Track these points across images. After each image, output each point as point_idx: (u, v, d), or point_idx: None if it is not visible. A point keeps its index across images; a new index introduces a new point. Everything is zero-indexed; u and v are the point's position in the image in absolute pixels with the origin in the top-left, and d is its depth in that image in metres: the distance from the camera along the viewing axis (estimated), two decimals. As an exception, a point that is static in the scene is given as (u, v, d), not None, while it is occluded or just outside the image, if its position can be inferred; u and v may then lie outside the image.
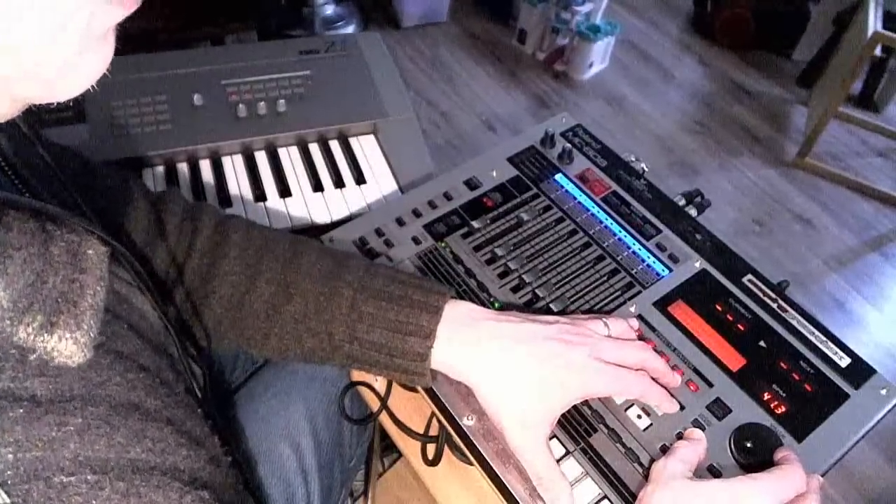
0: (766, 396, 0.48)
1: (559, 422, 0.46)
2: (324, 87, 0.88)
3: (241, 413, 0.60)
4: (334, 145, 0.86)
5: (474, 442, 0.46)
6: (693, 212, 0.64)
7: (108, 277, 0.32)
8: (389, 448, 0.90)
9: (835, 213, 1.90)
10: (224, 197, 0.78)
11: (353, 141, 0.87)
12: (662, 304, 0.54)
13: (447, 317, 0.46)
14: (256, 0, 1.60)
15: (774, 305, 0.54)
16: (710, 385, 0.49)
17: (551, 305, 0.54)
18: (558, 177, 0.64)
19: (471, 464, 0.48)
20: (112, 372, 0.32)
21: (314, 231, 0.76)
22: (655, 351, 0.50)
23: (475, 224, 0.59)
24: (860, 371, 0.50)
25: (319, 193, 0.81)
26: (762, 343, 0.51)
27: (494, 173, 0.64)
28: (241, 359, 0.69)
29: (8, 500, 0.25)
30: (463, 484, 0.54)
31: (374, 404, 0.57)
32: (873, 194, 1.95)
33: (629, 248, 0.58)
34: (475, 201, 0.61)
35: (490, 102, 2.11)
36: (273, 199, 0.79)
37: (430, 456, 0.54)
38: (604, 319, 0.49)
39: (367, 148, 0.86)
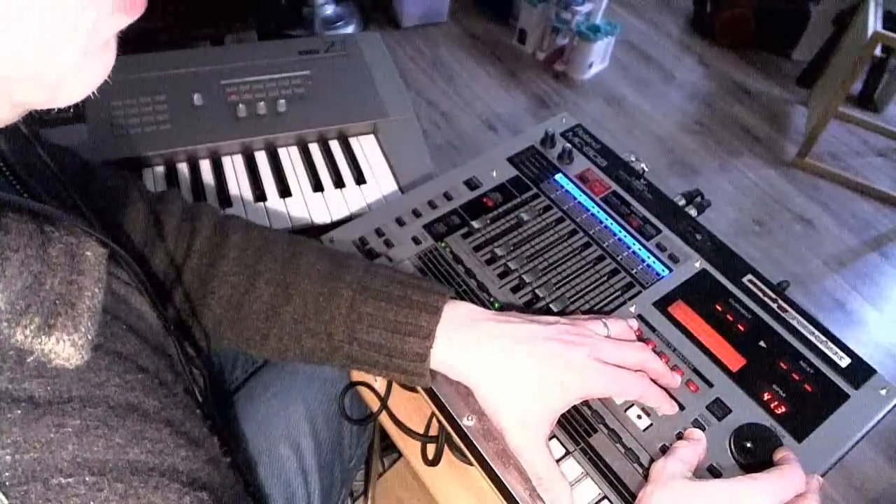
0: (766, 396, 0.48)
1: (559, 422, 0.46)
2: (324, 87, 0.88)
3: (240, 413, 0.60)
4: (334, 145, 0.86)
5: (474, 442, 0.46)
6: (693, 212, 0.64)
7: (106, 279, 0.32)
8: (389, 448, 0.90)
9: (835, 213, 1.90)
10: (224, 197, 0.78)
11: (353, 141, 0.87)
12: (662, 305, 0.54)
13: (447, 317, 0.46)
14: (256, 0, 1.60)
15: (774, 305, 0.54)
16: (710, 385, 0.49)
17: (551, 306, 0.54)
18: (558, 177, 0.64)
19: (471, 464, 0.48)
20: (111, 373, 0.32)
21: (314, 231, 0.76)
22: (655, 351, 0.50)
23: (475, 224, 0.59)
24: (860, 371, 0.50)
25: (319, 193, 0.81)
26: (762, 343, 0.51)
27: (494, 173, 0.64)
28: (241, 359, 0.69)
29: (6, 502, 0.25)
30: (463, 484, 0.54)
31: (374, 404, 0.57)
32: (873, 194, 1.95)
33: (629, 248, 0.58)
34: (475, 201, 0.61)
35: (490, 102, 2.11)
36: (273, 199, 0.79)
37: (430, 456, 0.54)
38: (603, 320, 0.49)
39: (367, 148, 0.86)
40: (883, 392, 0.49)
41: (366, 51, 0.94)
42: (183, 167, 0.80)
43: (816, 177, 1.99)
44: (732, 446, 0.45)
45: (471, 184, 0.63)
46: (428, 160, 0.85)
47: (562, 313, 0.53)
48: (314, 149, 0.85)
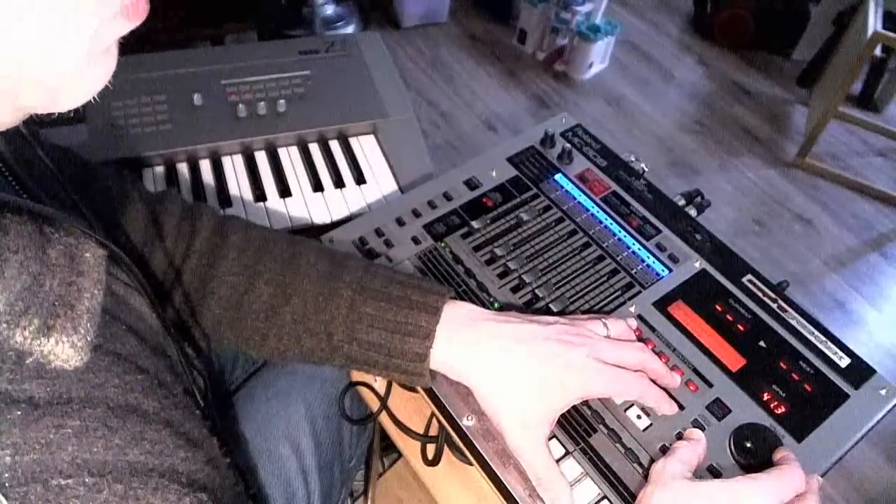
0: (766, 396, 0.48)
1: (559, 422, 0.46)
2: (324, 87, 0.88)
3: (240, 414, 0.60)
4: (334, 145, 0.86)
5: (474, 442, 0.46)
6: (693, 212, 0.64)
7: (105, 280, 0.32)
8: (389, 448, 0.90)
9: (835, 213, 1.90)
10: (224, 197, 0.78)
11: (353, 141, 0.87)
12: (662, 305, 0.54)
13: (446, 317, 0.46)
14: (256, 0, 1.61)
15: (774, 305, 0.54)
16: (710, 385, 0.49)
17: (551, 306, 0.54)
18: (558, 177, 0.64)
19: (470, 464, 0.48)
20: (110, 374, 0.32)
21: (314, 231, 0.76)
22: (655, 351, 0.50)
23: (475, 224, 0.59)
24: (860, 371, 0.50)
25: (319, 193, 0.81)
26: (762, 343, 0.51)
27: (494, 173, 0.64)
28: (241, 359, 0.69)
29: (6, 503, 0.25)
30: (463, 484, 0.54)
31: (374, 404, 0.57)
32: (873, 194, 1.95)
33: (629, 248, 0.58)
34: (475, 201, 0.61)
35: (490, 102, 2.11)
36: (273, 199, 0.79)
37: (430, 456, 0.54)
38: (603, 320, 0.49)
39: (367, 148, 0.86)
40: (883, 392, 0.49)
41: (366, 51, 0.94)
42: (183, 167, 0.80)
43: (816, 177, 1.99)
44: (732, 446, 0.45)
45: (470, 184, 0.63)
46: (428, 160, 0.85)
47: (562, 313, 0.53)
48: (314, 149, 0.85)
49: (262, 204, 0.78)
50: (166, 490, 0.31)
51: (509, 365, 0.44)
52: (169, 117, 0.80)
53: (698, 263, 0.57)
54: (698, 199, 0.66)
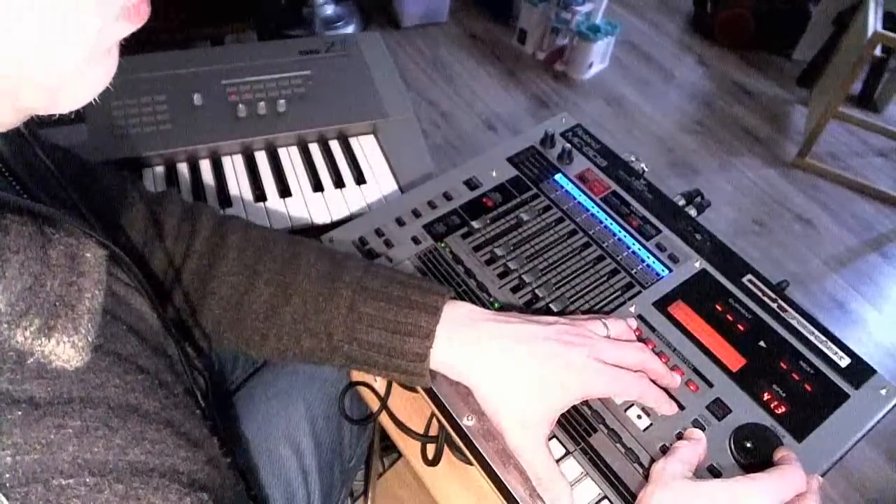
0: (766, 396, 0.48)
1: (559, 422, 0.46)
2: (324, 87, 0.88)
3: (241, 413, 0.60)
4: (334, 145, 0.86)
5: (474, 442, 0.46)
6: (693, 212, 0.64)
7: (106, 280, 0.32)
8: (389, 448, 0.90)
9: (835, 213, 1.90)
10: (224, 197, 0.78)
11: (353, 141, 0.87)
12: (662, 305, 0.54)
13: (446, 317, 0.46)
14: (256, 0, 1.61)
15: (774, 305, 0.54)
16: (710, 385, 0.49)
17: (551, 306, 0.54)
18: (558, 177, 0.64)
19: (471, 464, 0.48)
20: (111, 374, 0.32)
21: (314, 231, 0.76)
22: (655, 351, 0.50)
23: (475, 224, 0.59)
24: (860, 371, 0.50)
25: (319, 193, 0.81)
26: (762, 343, 0.51)
27: (494, 173, 0.64)
28: (241, 359, 0.69)
29: (7, 503, 0.25)
30: (463, 484, 0.54)
31: (374, 404, 0.57)
32: (873, 194, 1.95)
33: (629, 248, 0.58)
34: (475, 201, 0.61)
35: (490, 102, 2.11)
36: (273, 199, 0.79)
37: (430, 456, 0.54)
38: (603, 320, 0.49)
39: (367, 148, 0.86)
40: (883, 392, 0.49)
41: (366, 51, 0.94)
42: (183, 167, 0.80)
43: (816, 177, 1.99)
44: (732, 446, 0.45)
45: (470, 184, 0.63)
46: (428, 160, 0.85)
47: (562, 313, 0.53)
48: (314, 149, 0.85)
49: (262, 204, 0.78)
50: (167, 490, 0.31)
51: (509, 365, 0.44)
52: (169, 117, 0.80)
53: (698, 263, 0.57)
54: (698, 199, 0.66)
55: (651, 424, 0.47)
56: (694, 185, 1.76)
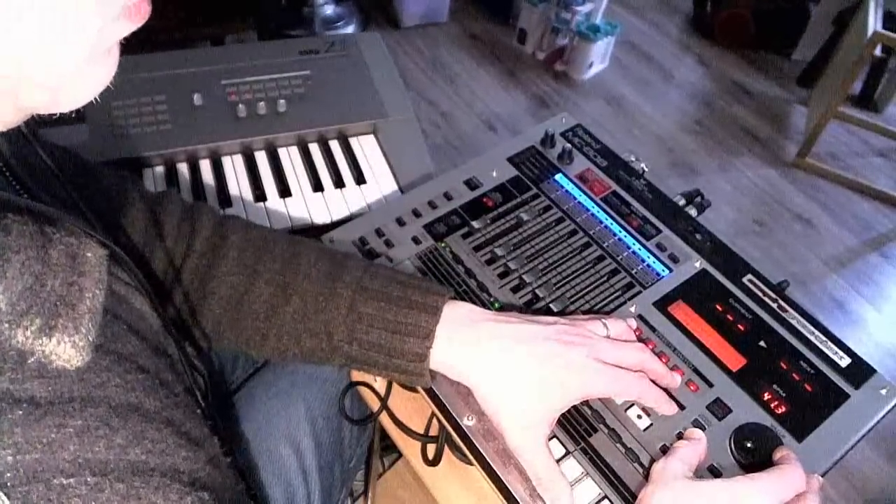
0: (766, 396, 0.48)
1: (559, 422, 0.46)
2: (324, 87, 0.88)
3: (241, 413, 0.60)
4: (334, 145, 0.86)
5: (474, 442, 0.46)
6: (693, 212, 0.64)
7: (106, 280, 0.32)
8: (389, 448, 0.90)
9: (835, 213, 1.90)
10: (224, 197, 0.78)
11: (353, 141, 0.87)
12: (662, 304, 0.54)
13: (446, 317, 0.46)
14: (256, 0, 1.61)
15: (774, 305, 0.54)
16: (710, 385, 0.49)
17: (551, 305, 0.54)
18: (558, 177, 0.64)
19: (471, 464, 0.48)
20: (111, 373, 0.32)
21: (314, 231, 0.76)
22: (655, 351, 0.50)
23: (475, 224, 0.59)
24: (860, 371, 0.50)
25: (319, 193, 0.81)
26: (762, 343, 0.51)
27: (494, 173, 0.64)
28: (241, 359, 0.69)
29: (8, 503, 0.25)
30: (463, 484, 0.54)
31: (374, 404, 0.57)
32: (873, 194, 1.95)
33: (629, 248, 0.58)
34: (475, 201, 0.61)
35: (490, 102, 2.11)
36: (273, 199, 0.79)
37: (430, 456, 0.54)
38: (603, 320, 0.49)
39: (367, 148, 0.86)
40: (883, 392, 0.49)
41: (366, 51, 0.94)
42: (183, 167, 0.80)
43: (816, 177, 1.99)
44: (733, 446, 0.45)
45: (471, 184, 0.63)
46: (428, 160, 0.85)
47: (562, 313, 0.53)
48: (314, 149, 0.85)
49: (262, 204, 0.78)
50: (168, 489, 0.31)
51: (509, 365, 0.44)
52: (169, 117, 0.80)
53: (698, 263, 0.57)
54: (698, 199, 0.66)
55: (651, 424, 0.47)
56: (694, 185, 1.76)
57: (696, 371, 0.50)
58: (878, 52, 1.77)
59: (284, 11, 2.13)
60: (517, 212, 0.60)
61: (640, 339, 0.51)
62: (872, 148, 2.11)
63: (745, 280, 0.55)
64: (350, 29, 2.19)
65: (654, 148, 2.02)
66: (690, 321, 0.53)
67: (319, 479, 0.61)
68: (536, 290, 0.54)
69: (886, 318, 1.66)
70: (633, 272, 0.56)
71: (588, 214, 0.60)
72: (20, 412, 0.27)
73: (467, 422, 0.47)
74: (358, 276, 0.48)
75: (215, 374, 0.66)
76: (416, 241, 0.58)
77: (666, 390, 0.48)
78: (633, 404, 0.48)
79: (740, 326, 0.52)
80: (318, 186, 0.81)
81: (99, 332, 0.31)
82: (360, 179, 0.82)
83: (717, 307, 0.53)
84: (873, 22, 1.72)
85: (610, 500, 0.43)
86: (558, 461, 0.44)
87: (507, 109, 2.09)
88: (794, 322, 0.53)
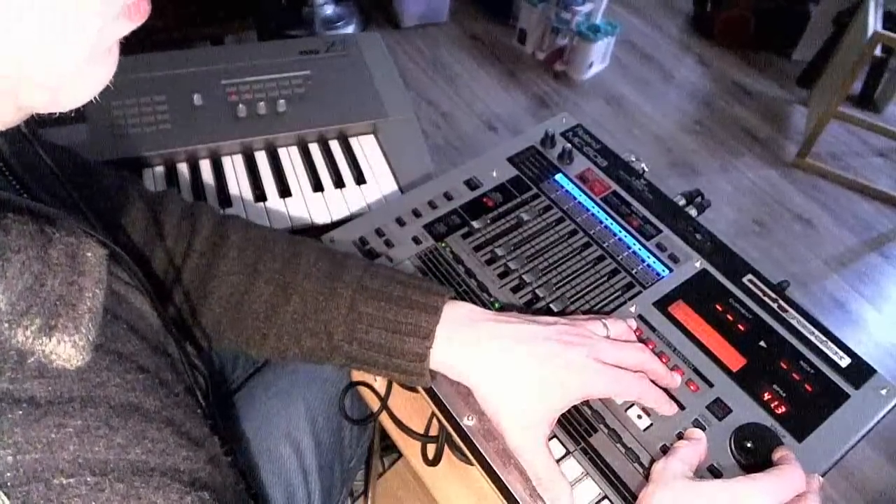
0: (767, 396, 0.48)
1: (559, 422, 0.46)
2: (324, 87, 0.88)
3: (241, 413, 0.60)
4: (334, 145, 0.86)
5: (474, 442, 0.46)
6: (693, 212, 0.64)
7: (106, 280, 0.32)
8: (389, 448, 0.90)
9: (835, 213, 1.90)
10: (224, 197, 0.78)
11: (353, 141, 0.87)
12: (662, 304, 0.54)
13: (446, 317, 0.46)
14: (256, 0, 1.61)
15: (774, 305, 0.54)
16: (711, 385, 0.49)
17: (551, 305, 0.54)
18: (558, 177, 0.64)
19: (471, 464, 0.48)
20: (111, 373, 0.32)
21: (314, 231, 0.76)
22: (655, 351, 0.50)
23: (475, 224, 0.59)
24: (860, 371, 0.50)
25: (319, 193, 0.81)
26: (762, 343, 0.51)
27: (494, 173, 0.64)
28: (242, 359, 0.69)
29: (7, 502, 0.25)
30: (463, 484, 0.54)
31: (374, 404, 0.57)
32: (873, 194, 1.95)
33: (629, 248, 0.58)
34: (475, 201, 0.61)
35: (490, 102, 2.11)
36: (273, 199, 0.79)
37: (430, 456, 0.54)
38: (603, 320, 0.49)
39: (367, 148, 0.86)
40: (883, 392, 0.49)
41: (366, 51, 0.94)
42: (183, 167, 0.80)
43: (816, 177, 1.99)
44: (733, 446, 0.45)
45: (471, 184, 0.63)
46: (428, 160, 0.85)
47: (562, 313, 0.53)
48: (314, 149, 0.85)
49: (262, 204, 0.78)
50: (168, 489, 0.31)
51: (509, 365, 0.44)
52: (169, 117, 0.80)
53: (699, 263, 0.57)
54: (698, 199, 0.66)
55: (651, 424, 0.47)
56: (694, 185, 1.76)
57: (696, 371, 0.50)
58: (878, 52, 1.77)
59: (284, 11, 2.13)
60: (517, 212, 0.60)
61: (640, 340, 0.51)
62: (872, 148, 2.11)
63: (745, 280, 0.55)
64: (350, 29, 2.19)
65: (654, 148, 2.02)
66: (690, 321, 0.53)
67: (319, 478, 0.61)
68: (536, 290, 0.54)
69: (886, 318, 1.66)
70: (634, 272, 0.56)
71: (588, 214, 0.60)
72: (20, 412, 0.27)
73: (467, 422, 0.47)
74: (358, 275, 0.48)
75: (215, 373, 0.66)
76: (416, 241, 0.58)
77: (666, 390, 0.48)
78: (633, 404, 0.48)
79: (740, 326, 0.52)
80: (318, 186, 0.81)
81: (99, 332, 0.31)
82: (360, 179, 0.82)
83: (718, 307, 0.53)
84: (873, 22, 1.72)
85: (610, 500, 0.43)
86: (558, 461, 0.44)
87: (507, 109, 2.09)
88: (794, 322, 0.53)
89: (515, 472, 0.44)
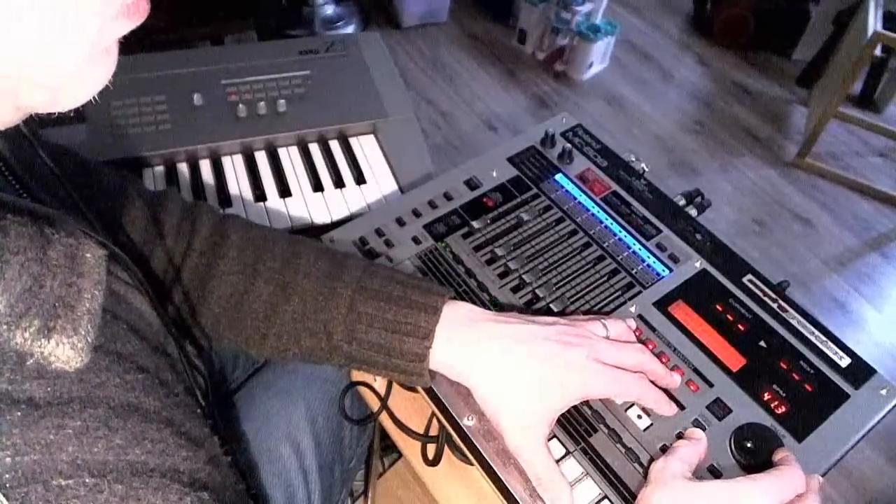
0: (767, 396, 0.48)
1: (559, 421, 0.46)
2: (324, 87, 0.88)
3: (241, 413, 0.60)
4: (334, 145, 0.86)
5: (474, 442, 0.46)
6: (693, 212, 0.64)
7: (105, 281, 0.32)
8: (389, 448, 0.90)
9: (835, 213, 1.90)
10: (224, 197, 0.78)
11: (353, 141, 0.87)
12: (663, 305, 0.54)
13: (446, 317, 0.46)
14: (256, 0, 1.61)
15: (774, 305, 0.54)
16: (711, 385, 0.49)
17: (551, 305, 0.53)
18: (558, 177, 0.64)
19: (471, 464, 0.48)
20: (111, 373, 0.32)
21: (314, 231, 0.76)
22: (655, 351, 0.50)
23: (475, 224, 0.59)
24: (860, 371, 0.50)
25: (319, 193, 0.81)
26: (762, 343, 0.51)
27: (494, 173, 0.64)
28: (242, 359, 0.69)
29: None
30: (463, 484, 0.54)
31: (374, 404, 0.57)
32: (873, 194, 1.95)
33: (629, 248, 0.58)
34: (475, 201, 0.61)
35: (490, 102, 2.11)
36: (273, 199, 0.79)
37: (430, 456, 0.54)
38: (602, 321, 0.49)
39: (367, 148, 0.86)
40: (883, 392, 0.49)
41: (366, 51, 0.94)
42: (183, 167, 0.80)
43: (816, 177, 1.99)
44: (732, 446, 0.45)
45: (471, 184, 0.63)
46: (428, 160, 0.85)
47: (562, 313, 0.53)
48: (314, 149, 0.85)
49: (262, 204, 0.78)
50: (167, 490, 0.30)
51: (509, 365, 0.44)
52: (169, 117, 0.80)
53: (699, 263, 0.57)
54: (698, 199, 0.66)
55: (651, 424, 0.47)
56: (694, 185, 1.75)
57: (696, 371, 0.50)
58: (878, 52, 1.76)
59: (284, 11, 2.13)
60: (517, 212, 0.60)
61: (640, 340, 0.51)
62: (872, 148, 2.11)
63: (745, 280, 0.55)
64: (350, 29, 2.19)
65: (654, 148, 2.02)
66: (690, 321, 0.52)
67: (319, 478, 0.61)
68: (536, 290, 0.54)
69: (886, 318, 1.66)
70: (633, 272, 0.56)
71: (588, 214, 0.60)
72: (19, 413, 0.27)
73: (467, 422, 0.47)
74: (358, 275, 0.48)
75: (215, 373, 0.66)
76: (416, 241, 0.58)
77: (666, 391, 0.48)
78: (633, 404, 0.48)
79: (740, 326, 0.52)
80: (318, 186, 0.81)
81: (98, 332, 0.31)
82: (360, 179, 0.82)
83: (718, 307, 0.53)
84: (873, 22, 1.72)
85: (610, 500, 0.43)
86: (558, 461, 0.44)
87: (507, 109, 2.09)
88: (794, 322, 0.53)
89: (515, 472, 0.44)
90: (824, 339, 0.52)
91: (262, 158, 0.83)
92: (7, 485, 0.26)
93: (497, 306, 0.53)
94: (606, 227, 0.59)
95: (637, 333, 0.51)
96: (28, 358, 0.28)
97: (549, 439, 0.45)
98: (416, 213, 0.60)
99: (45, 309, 0.28)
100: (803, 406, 0.48)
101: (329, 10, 2.15)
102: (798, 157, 2.00)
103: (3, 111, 0.28)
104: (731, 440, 0.45)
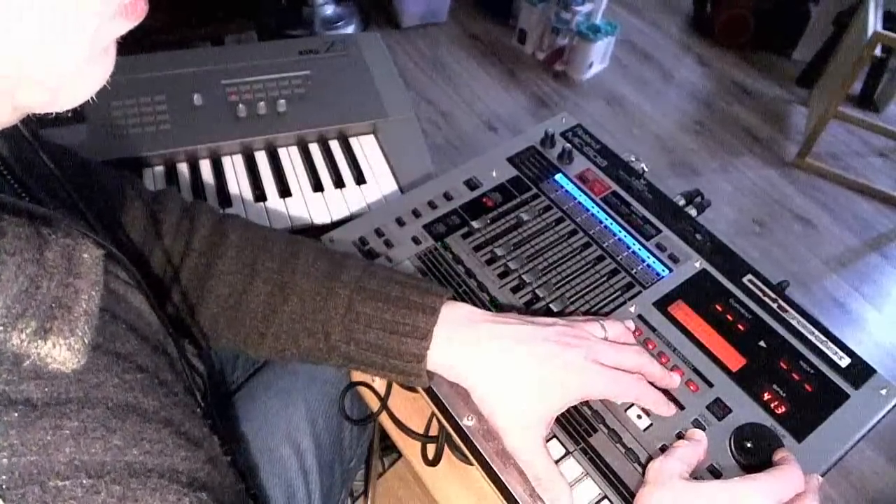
0: (766, 396, 0.48)
1: (559, 422, 0.46)
2: (324, 87, 0.88)
3: (241, 413, 0.60)
4: (334, 145, 0.86)
5: (474, 442, 0.46)
6: (693, 212, 0.64)
7: (103, 281, 0.32)
8: (389, 448, 0.90)
9: (835, 213, 1.90)
10: (224, 197, 0.78)
11: (353, 141, 0.87)
12: (662, 305, 0.54)
13: (445, 318, 0.46)
14: (256, 0, 1.61)
15: (774, 305, 0.54)
16: (710, 385, 0.49)
17: (551, 306, 0.53)
18: (558, 177, 0.63)
19: (471, 464, 0.48)
20: (109, 373, 0.32)
21: (314, 231, 0.76)
22: (655, 351, 0.50)
23: (475, 224, 0.59)
24: (860, 371, 0.50)
25: (319, 193, 0.81)
26: (762, 343, 0.51)
27: (494, 173, 0.64)
28: (241, 359, 0.69)
29: (3, 504, 0.25)
30: (463, 484, 0.54)
31: (374, 404, 0.57)
32: (873, 194, 1.95)
33: (629, 248, 0.58)
34: (475, 201, 0.61)
35: (490, 102, 2.11)
36: (273, 199, 0.79)
37: (430, 456, 0.54)
38: (601, 322, 0.49)
39: (367, 148, 0.86)
40: (883, 392, 0.49)
41: (366, 51, 0.94)
42: (183, 167, 0.80)
43: (816, 177, 1.99)
44: (732, 446, 0.45)
45: (471, 184, 0.63)
46: (428, 160, 0.85)
47: (561, 313, 0.53)
48: (314, 149, 0.85)
49: (262, 204, 0.78)
50: (166, 490, 0.30)
51: (509, 365, 0.44)
52: (169, 117, 0.80)
53: (698, 263, 0.57)
54: (698, 199, 0.66)
55: (651, 424, 0.47)
56: (694, 185, 1.75)
57: (695, 371, 0.50)
58: (878, 52, 1.76)
59: (284, 11, 2.13)
60: (517, 212, 0.60)
61: (639, 340, 0.51)
62: (872, 148, 2.11)
63: (745, 280, 0.55)
64: (350, 29, 2.19)
65: (654, 148, 2.02)
66: (690, 321, 0.52)
67: (319, 479, 0.61)
68: (536, 290, 0.54)
69: (886, 318, 1.65)
70: (633, 272, 0.56)
71: (588, 214, 0.60)
72: (16, 414, 0.27)
73: (467, 422, 0.47)
74: (356, 275, 0.48)
75: (215, 374, 0.66)
76: (415, 241, 0.58)
77: (665, 391, 0.48)
78: (632, 404, 0.47)
79: (740, 326, 0.52)
80: (318, 186, 0.81)
81: (97, 332, 0.31)
82: (360, 179, 0.82)
83: (717, 307, 0.53)
84: (873, 22, 1.72)
85: (610, 500, 0.43)
86: (558, 461, 0.44)
87: (507, 109, 2.09)
88: (794, 322, 0.53)
89: (515, 473, 0.44)
90: (824, 339, 0.52)
91: (262, 158, 0.83)
92: (4, 486, 0.26)
93: (497, 306, 0.53)
94: (606, 227, 0.59)
95: (637, 334, 0.51)
96: (25, 359, 0.28)
97: (549, 439, 0.45)
98: (416, 214, 0.60)
99: (41, 310, 0.28)
100: (803, 406, 0.48)
101: (329, 10, 2.15)
102: (798, 158, 2.00)
103: (1, 111, 0.28)
104: (730, 440, 0.45)
